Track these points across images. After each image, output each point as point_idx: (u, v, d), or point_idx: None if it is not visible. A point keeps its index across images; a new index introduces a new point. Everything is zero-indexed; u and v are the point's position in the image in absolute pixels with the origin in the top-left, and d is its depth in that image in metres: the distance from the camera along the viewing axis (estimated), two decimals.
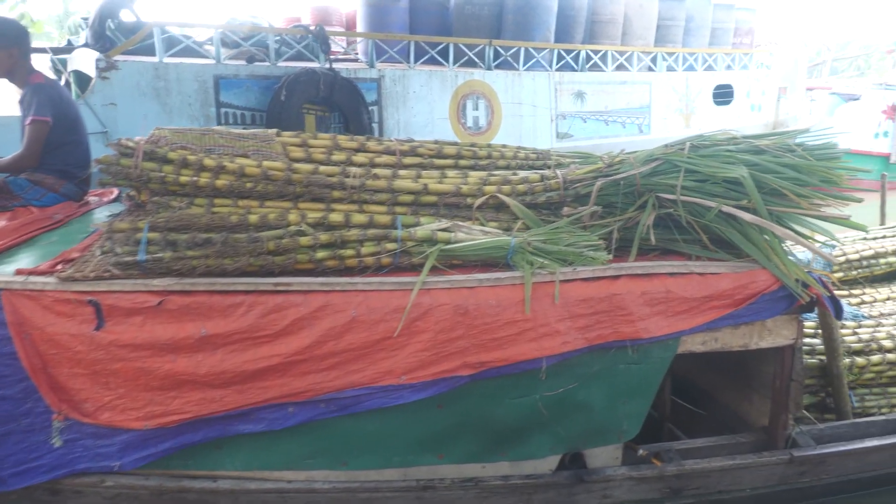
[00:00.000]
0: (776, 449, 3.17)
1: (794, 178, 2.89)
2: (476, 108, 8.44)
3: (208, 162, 2.74)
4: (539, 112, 9.09)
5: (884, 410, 3.54)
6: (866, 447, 3.23)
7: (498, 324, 2.63)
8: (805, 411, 3.52)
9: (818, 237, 3.02)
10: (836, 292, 4.99)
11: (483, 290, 2.66)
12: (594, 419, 2.87)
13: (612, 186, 3.07)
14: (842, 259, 5.00)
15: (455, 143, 3.38)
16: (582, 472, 2.95)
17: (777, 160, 2.96)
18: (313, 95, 6.80)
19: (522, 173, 3.17)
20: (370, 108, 7.25)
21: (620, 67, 10.04)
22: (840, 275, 5.02)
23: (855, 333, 3.65)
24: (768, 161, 2.96)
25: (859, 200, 2.98)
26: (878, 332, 3.72)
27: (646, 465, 3.02)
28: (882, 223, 6.25)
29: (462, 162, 3.31)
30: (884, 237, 5.53)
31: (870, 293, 4.96)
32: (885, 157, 14.42)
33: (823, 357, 3.47)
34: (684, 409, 3.70)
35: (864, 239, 5.51)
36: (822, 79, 16.49)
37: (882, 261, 5.11)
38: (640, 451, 3.03)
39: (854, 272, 5.06)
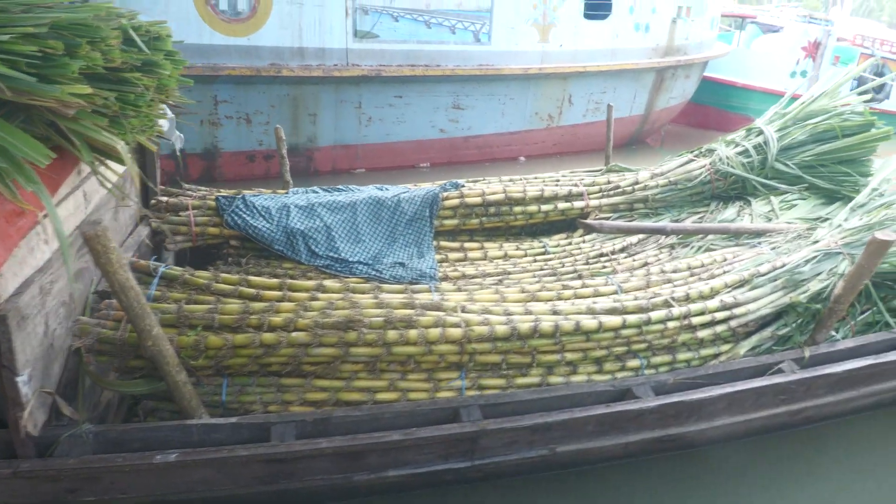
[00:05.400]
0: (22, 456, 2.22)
1: None
2: None
3: None
4: (328, 1, 7.74)
5: (273, 409, 2.56)
6: (156, 463, 2.27)
7: None
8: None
9: None
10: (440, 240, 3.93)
11: None
12: None
13: None
14: (456, 202, 3.92)
15: None
16: None
17: None
18: None
19: None
20: None
21: None
22: (455, 222, 3.95)
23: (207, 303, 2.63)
24: None
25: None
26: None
27: None
28: (606, 164, 5.12)
29: None
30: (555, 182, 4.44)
31: (472, 246, 3.88)
32: None
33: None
34: None
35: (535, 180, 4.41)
36: (756, 7, 14.77)
37: (518, 209, 4.02)
38: None
39: (475, 220, 3.98)
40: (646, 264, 3.62)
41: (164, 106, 4.08)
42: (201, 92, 7.18)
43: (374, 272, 3.48)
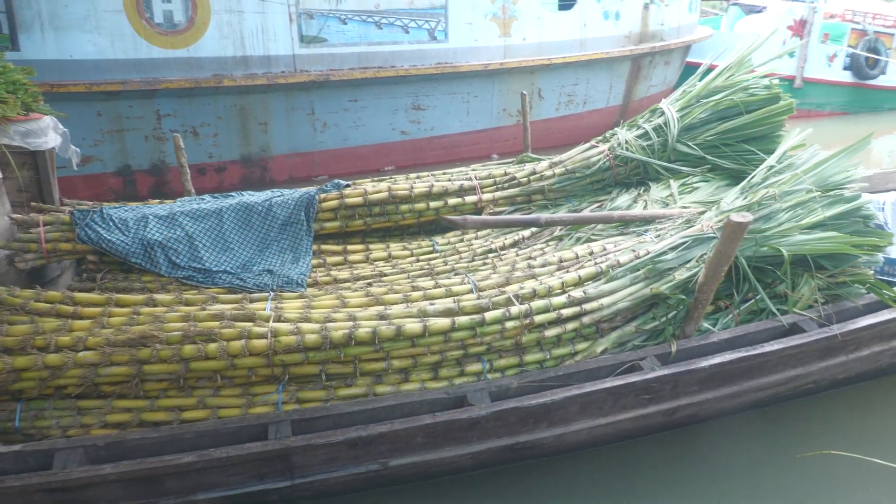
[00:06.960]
0: None
1: None
2: (168, 0, 7.02)
3: None
4: (270, 7, 7.63)
5: (72, 433, 2.40)
6: None
7: None
8: None
9: None
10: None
11: None
12: None
13: None
14: (335, 203, 3.72)
15: None
16: None
17: None
18: None
19: None
20: None
21: None
22: (337, 224, 3.76)
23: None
24: None
25: None
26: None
27: None
28: (526, 151, 4.91)
29: None
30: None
31: (355, 248, 3.68)
32: (790, 81, 12.56)
33: None
34: None
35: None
36: None
37: (405, 208, 3.82)
38: None
39: (359, 221, 3.79)
40: (529, 258, 3.40)
41: (53, 119, 3.98)
42: (142, 107, 7.13)
43: (238, 281, 3.32)
